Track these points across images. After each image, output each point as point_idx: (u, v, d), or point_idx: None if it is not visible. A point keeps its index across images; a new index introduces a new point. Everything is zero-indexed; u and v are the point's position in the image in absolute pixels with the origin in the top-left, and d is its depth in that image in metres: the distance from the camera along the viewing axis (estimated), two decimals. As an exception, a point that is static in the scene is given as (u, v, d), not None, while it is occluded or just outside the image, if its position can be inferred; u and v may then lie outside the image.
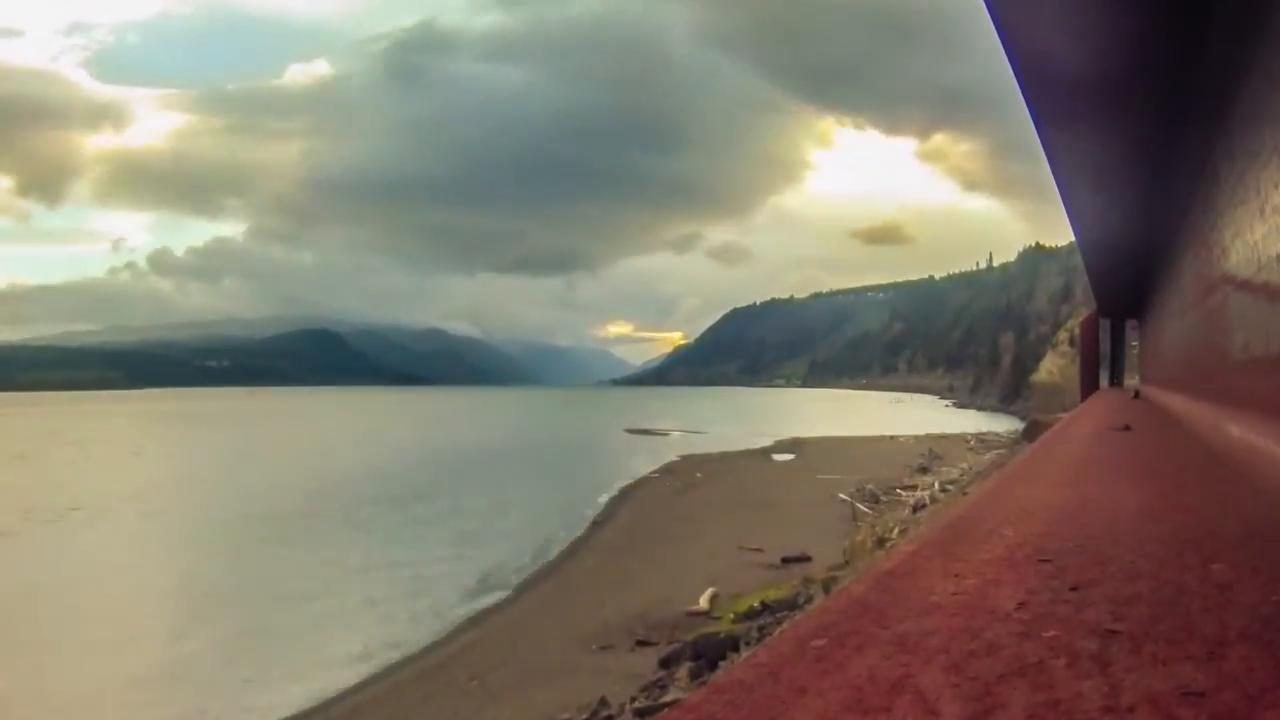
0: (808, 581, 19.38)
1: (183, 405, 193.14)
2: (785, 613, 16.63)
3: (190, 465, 57.70)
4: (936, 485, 33.77)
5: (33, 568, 25.61)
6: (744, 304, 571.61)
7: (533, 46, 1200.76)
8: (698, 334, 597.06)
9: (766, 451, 58.86)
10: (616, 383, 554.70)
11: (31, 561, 26.55)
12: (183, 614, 21.17)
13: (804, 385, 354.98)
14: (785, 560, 23.06)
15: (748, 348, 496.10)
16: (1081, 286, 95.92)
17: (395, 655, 18.17)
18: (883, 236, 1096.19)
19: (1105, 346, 29.03)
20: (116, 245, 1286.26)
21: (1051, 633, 1.79)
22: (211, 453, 68.97)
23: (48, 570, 25.21)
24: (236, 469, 54.47)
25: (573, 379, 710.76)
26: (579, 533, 30.24)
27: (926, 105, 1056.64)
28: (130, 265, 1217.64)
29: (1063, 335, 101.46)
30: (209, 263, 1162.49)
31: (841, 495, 33.47)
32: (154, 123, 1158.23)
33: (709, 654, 15.01)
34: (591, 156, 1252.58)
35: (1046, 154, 7.96)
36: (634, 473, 46.81)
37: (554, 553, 27.06)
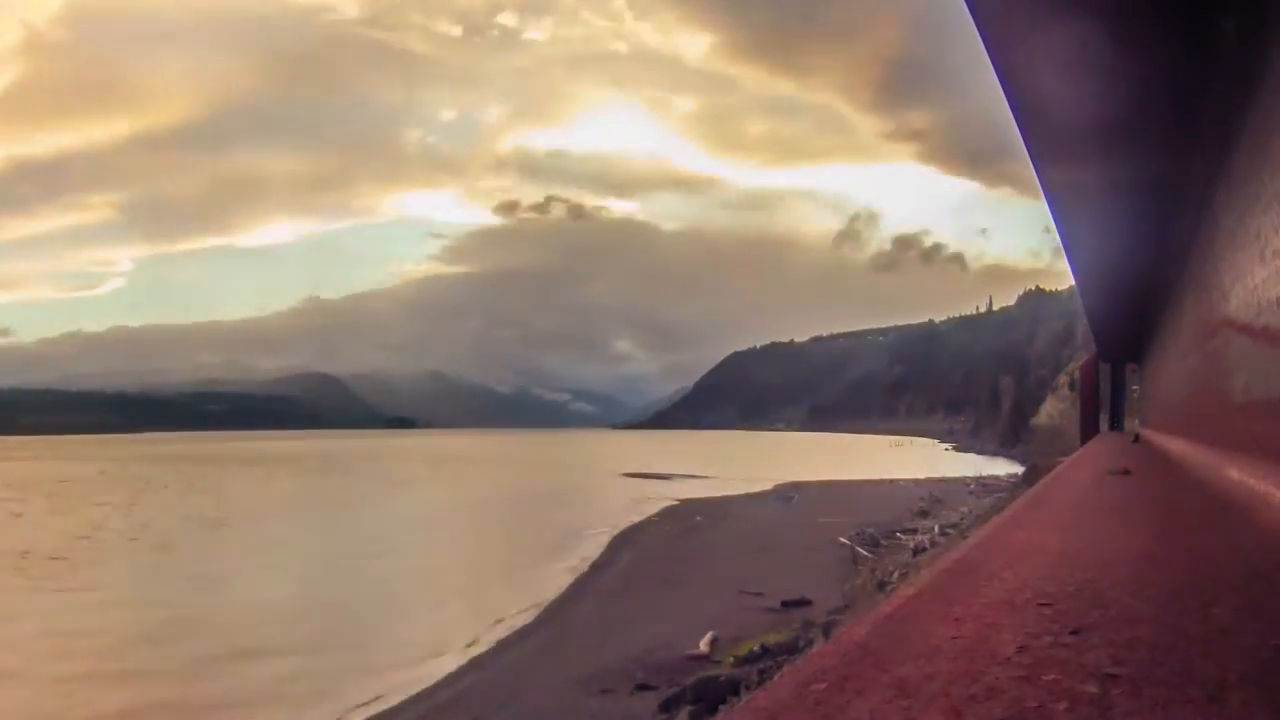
0: (808, 625, 19.23)
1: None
2: (785, 656, 16.48)
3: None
4: (937, 529, 33.66)
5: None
6: (743, 347, 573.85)
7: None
8: (697, 377, 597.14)
9: (766, 495, 58.55)
10: (615, 426, 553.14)
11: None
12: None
13: (804, 429, 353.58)
14: (785, 604, 22.87)
15: (747, 391, 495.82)
16: (1081, 330, 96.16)
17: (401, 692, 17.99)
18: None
19: (1105, 390, 29.05)
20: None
21: (1051, 676, 1.79)
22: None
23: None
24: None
25: (570, 422, 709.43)
26: (578, 576, 30.00)
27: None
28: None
29: (1063, 379, 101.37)
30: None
31: (842, 539, 33.26)
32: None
33: (709, 697, 14.86)
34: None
35: (1047, 198, 8.01)
36: (633, 517, 46.51)
37: (551, 597, 26.80)
